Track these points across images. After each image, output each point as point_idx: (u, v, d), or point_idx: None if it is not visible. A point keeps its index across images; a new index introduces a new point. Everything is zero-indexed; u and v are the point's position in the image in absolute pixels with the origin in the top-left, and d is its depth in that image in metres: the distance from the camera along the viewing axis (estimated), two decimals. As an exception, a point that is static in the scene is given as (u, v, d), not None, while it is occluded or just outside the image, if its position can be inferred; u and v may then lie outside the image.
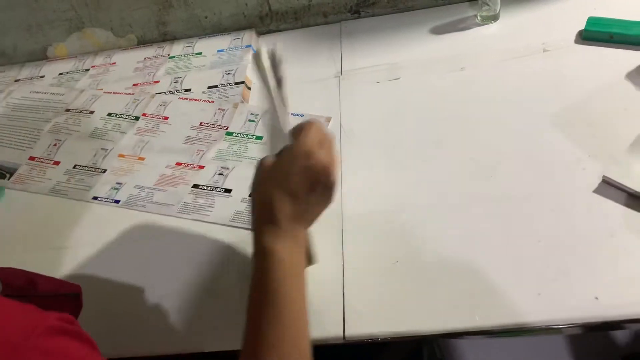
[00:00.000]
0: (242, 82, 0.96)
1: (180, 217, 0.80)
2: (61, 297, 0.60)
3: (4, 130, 1.01)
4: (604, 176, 0.68)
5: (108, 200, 0.84)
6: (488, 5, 0.94)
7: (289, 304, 0.50)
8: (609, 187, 0.68)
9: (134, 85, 1.03)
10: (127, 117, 0.96)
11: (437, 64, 0.91)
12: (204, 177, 0.84)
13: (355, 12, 1.06)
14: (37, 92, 1.07)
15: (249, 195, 0.69)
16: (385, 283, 0.66)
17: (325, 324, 0.63)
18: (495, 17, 0.96)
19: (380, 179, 0.77)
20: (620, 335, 0.93)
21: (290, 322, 0.50)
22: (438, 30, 0.98)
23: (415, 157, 0.78)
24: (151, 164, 0.88)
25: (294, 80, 0.94)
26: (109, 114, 0.98)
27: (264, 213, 0.54)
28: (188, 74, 1.02)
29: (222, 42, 1.07)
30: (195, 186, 0.83)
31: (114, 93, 1.02)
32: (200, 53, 1.06)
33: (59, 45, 1.14)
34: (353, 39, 1.01)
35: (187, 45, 1.09)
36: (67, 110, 1.01)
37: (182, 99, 0.96)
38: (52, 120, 0.99)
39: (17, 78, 1.13)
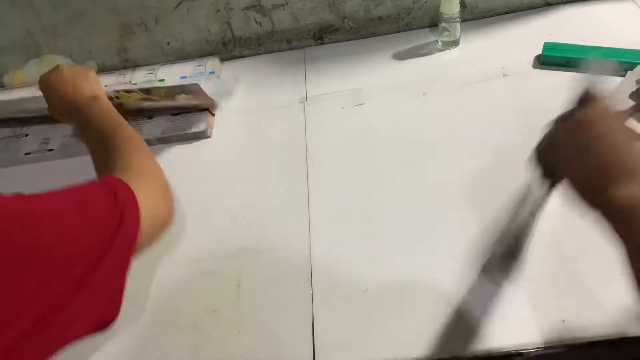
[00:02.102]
0: (207, 109, 0.95)
1: None
2: None
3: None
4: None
5: (41, 152, 0.91)
6: (448, 31, 0.96)
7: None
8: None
9: (94, 113, 1.01)
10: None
11: (400, 89, 0.93)
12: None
13: (319, 39, 1.07)
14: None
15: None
16: (355, 311, 0.65)
17: (295, 355, 0.62)
18: (455, 43, 0.98)
19: (347, 204, 0.77)
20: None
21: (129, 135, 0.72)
22: (400, 56, 1.00)
23: (382, 182, 0.79)
24: None
25: (258, 106, 0.96)
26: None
27: None
28: (150, 101, 1.01)
29: (186, 68, 1.06)
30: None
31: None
32: (163, 80, 1.05)
33: (16, 72, 1.11)
34: (317, 65, 1.02)
35: (150, 72, 1.08)
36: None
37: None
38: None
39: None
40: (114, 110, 0.77)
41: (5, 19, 1.03)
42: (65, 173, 0.89)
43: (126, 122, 0.74)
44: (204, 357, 0.63)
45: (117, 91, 0.86)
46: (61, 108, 0.79)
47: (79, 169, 0.72)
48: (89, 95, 0.77)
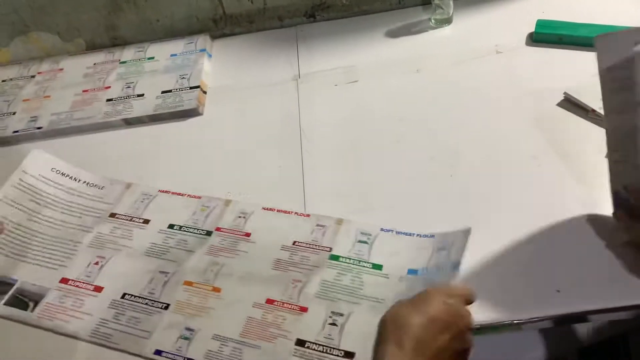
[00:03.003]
0: (198, 87, 0.94)
1: None
2: None
3: (24, 236, 0.76)
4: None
5: (177, 356, 0.61)
6: (441, 8, 0.95)
7: None
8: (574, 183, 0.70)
9: (83, 91, 0.99)
10: (195, 231, 0.73)
11: (393, 66, 0.92)
12: (310, 327, 0.60)
13: (311, 16, 1.06)
14: (61, 174, 0.82)
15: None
16: (351, 285, 0.65)
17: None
18: (448, 20, 0.97)
19: (341, 180, 0.77)
20: (577, 328, 0.96)
21: None
22: (393, 34, 0.99)
23: (375, 158, 0.79)
24: (231, 298, 0.65)
25: (251, 84, 0.95)
26: (171, 226, 0.74)
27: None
28: (140, 79, 0.99)
29: (176, 46, 1.05)
30: (300, 343, 0.60)
31: (172, 193, 0.78)
32: (152, 58, 1.03)
33: (2, 50, 1.09)
34: (309, 42, 1.01)
35: (139, 50, 1.06)
36: (113, 215, 0.77)
37: (268, 209, 0.74)
38: (93, 230, 0.75)
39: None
40: None
41: (-10, -6, 1.00)
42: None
43: None
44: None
45: None
46: None
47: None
48: None
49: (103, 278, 0.69)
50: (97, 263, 0.71)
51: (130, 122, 0.92)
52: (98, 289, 0.68)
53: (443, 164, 0.76)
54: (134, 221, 0.75)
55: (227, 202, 0.75)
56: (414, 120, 0.83)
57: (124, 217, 0.76)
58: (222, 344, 0.61)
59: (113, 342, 0.63)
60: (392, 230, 0.67)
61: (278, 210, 0.73)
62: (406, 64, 0.92)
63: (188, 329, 0.63)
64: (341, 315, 0.60)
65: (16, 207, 0.78)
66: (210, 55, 1.03)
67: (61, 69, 1.06)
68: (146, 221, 0.75)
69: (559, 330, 0.96)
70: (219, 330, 0.62)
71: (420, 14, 1.01)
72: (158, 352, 0.61)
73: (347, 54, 0.97)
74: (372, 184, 0.75)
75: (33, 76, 1.06)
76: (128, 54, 1.06)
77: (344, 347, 0.58)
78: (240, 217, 0.74)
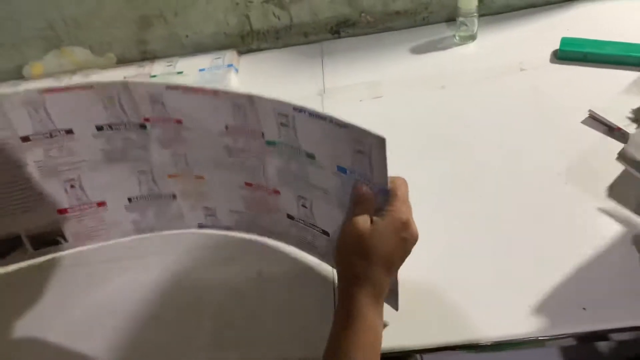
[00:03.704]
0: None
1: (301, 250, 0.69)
2: None
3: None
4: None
5: (218, 227, 0.67)
6: (466, 25, 0.97)
7: None
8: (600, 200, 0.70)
9: (114, 104, 1.02)
10: (127, 126, 0.62)
11: (417, 82, 0.93)
12: (290, 207, 0.63)
13: (336, 32, 1.08)
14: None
15: (336, 258, 0.56)
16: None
17: (317, 341, 0.63)
18: (472, 37, 0.99)
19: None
20: (605, 344, 0.95)
21: None
22: (417, 50, 1.00)
23: (398, 174, 0.79)
24: (216, 181, 0.65)
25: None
26: (99, 128, 0.62)
27: (358, 280, 0.54)
28: (169, 93, 1.02)
29: (204, 61, 1.07)
30: (290, 217, 0.64)
31: (57, 90, 0.60)
32: (181, 72, 1.06)
33: (36, 64, 1.13)
34: (334, 58, 1.03)
35: (169, 64, 1.09)
36: (26, 139, 0.62)
37: (172, 88, 0.59)
38: (25, 160, 0.63)
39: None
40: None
41: (28, 10, 1.04)
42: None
43: None
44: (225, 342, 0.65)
45: None
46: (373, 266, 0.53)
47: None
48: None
49: (95, 195, 0.65)
50: (72, 186, 0.64)
51: (159, 135, 0.94)
52: (101, 204, 0.65)
53: (467, 180, 0.76)
54: (56, 136, 0.61)
55: (125, 85, 0.59)
56: (438, 136, 0.84)
57: (40, 135, 0.61)
58: (239, 216, 0.66)
59: (160, 229, 0.67)
60: (304, 111, 0.56)
61: (184, 89, 0.58)
62: (431, 80, 0.93)
63: (206, 208, 0.66)
64: (305, 199, 0.59)
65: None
66: (237, 70, 1.05)
67: (92, 82, 1.09)
68: (68, 131, 0.61)
69: (585, 347, 0.96)
70: (230, 206, 0.66)
71: (445, 31, 1.02)
72: (201, 226, 0.68)
73: (372, 69, 0.98)
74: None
75: (65, 89, 1.09)
76: (158, 68, 1.09)
77: (320, 225, 0.61)
78: (154, 101, 0.60)
